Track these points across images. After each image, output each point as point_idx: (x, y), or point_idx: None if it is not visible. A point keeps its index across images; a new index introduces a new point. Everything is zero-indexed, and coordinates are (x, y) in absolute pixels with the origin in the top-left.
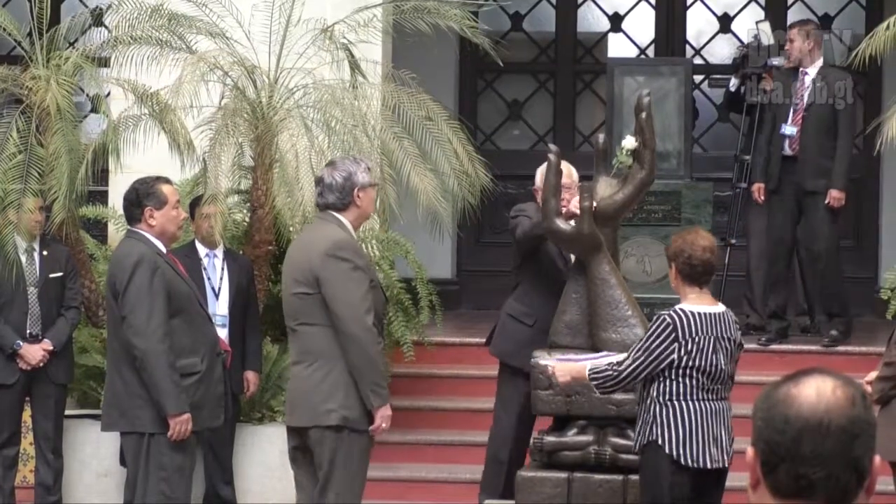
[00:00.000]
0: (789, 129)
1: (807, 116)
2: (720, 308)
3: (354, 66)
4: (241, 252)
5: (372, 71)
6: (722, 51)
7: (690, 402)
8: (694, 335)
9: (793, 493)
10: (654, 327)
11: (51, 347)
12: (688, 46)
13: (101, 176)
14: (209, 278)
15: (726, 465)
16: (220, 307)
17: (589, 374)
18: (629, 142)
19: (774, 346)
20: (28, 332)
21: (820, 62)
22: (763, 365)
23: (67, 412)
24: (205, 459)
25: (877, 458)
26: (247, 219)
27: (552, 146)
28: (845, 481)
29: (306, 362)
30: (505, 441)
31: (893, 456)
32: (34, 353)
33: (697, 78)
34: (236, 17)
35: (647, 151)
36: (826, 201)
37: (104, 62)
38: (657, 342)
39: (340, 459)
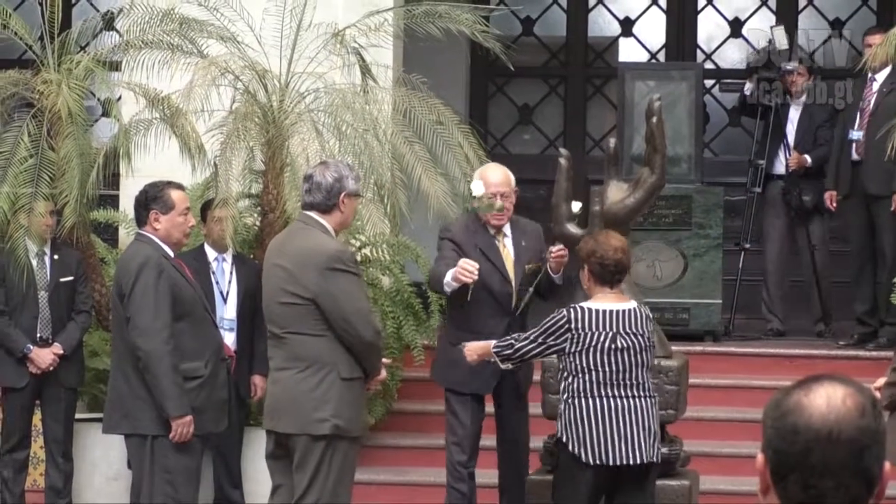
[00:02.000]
0: (856, 133)
1: (872, 121)
2: (629, 305)
3: (365, 71)
4: (251, 256)
5: (383, 75)
6: (733, 55)
7: (590, 400)
8: (588, 330)
9: (802, 502)
10: (553, 316)
11: (61, 351)
12: (699, 51)
13: (112, 180)
14: (218, 282)
15: (642, 461)
16: (228, 311)
17: (493, 347)
18: (575, 206)
19: (783, 351)
20: (38, 335)
21: (889, 68)
22: (774, 369)
23: (77, 416)
24: (213, 463)
25: (887, 465)
26: (258, 223)
27: (562, 150)
28: (855, 491)
29: (296, 368)
30: (463, 449)
31: None
32: (44, 356)
33: (708, 82)
34: (247, 22)
35: (657, 156)
36: (892, 207)
37: (115, 66)
38: (551, 330)
39: (325, 468)
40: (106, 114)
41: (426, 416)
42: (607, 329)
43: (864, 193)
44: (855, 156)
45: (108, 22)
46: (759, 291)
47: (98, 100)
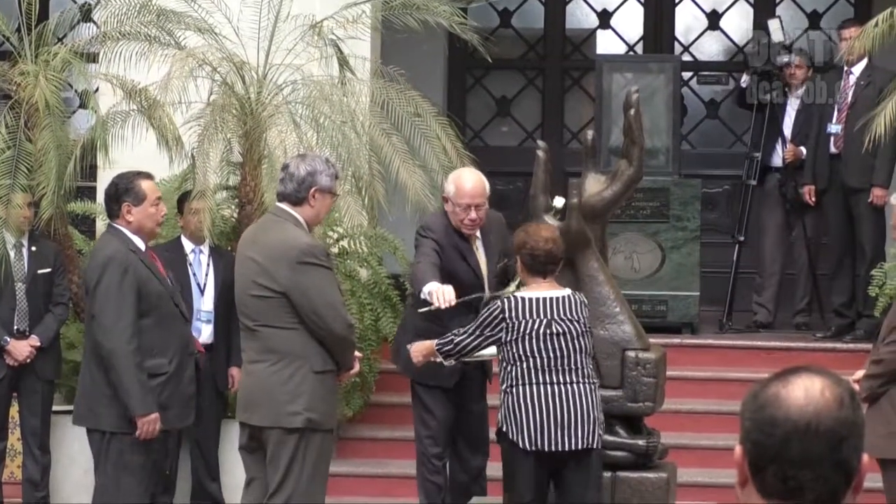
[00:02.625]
0: (834, 127)
1: (851, 115)
2: (562, 293)
3: (343, 63)
4: (228, 248)
5: (361, 67)
6: (710, 48)
7: (526, 388)
8: (521, 318)
9: (781, 494)
10: (488, 308)
11: (38, 343)
12: (676, 43)
13: (90, 172)
14: (195, 274)
15: (581, 447)
16: (205, 303)
17: (435, 345)
18: (558, 201)
19: (761, 343)
20: (15, 327)
21: (865, 61)
22: (750, 362)
23: (55, 408)
24: (191, 456)
25: (865, 457)
26: (235, 215)
27: (541, 143)
28: (833, 483)
29: (268, 361)
30: (435, 440)
31: (881, 453)
32: (21, 348)
33: (686, 75)
34: (225, 13)
35: (635, 148)
36: (869, 199)
37: (93, 58)
38: (487, 321)
39: (298, 462)
40: (83, 105)
41: (404, 409)
42: (541, 316)
43: (843, 187)
44: (833, 149)
45: (86, 13)
46: (748, 284)
47: (75, 91)
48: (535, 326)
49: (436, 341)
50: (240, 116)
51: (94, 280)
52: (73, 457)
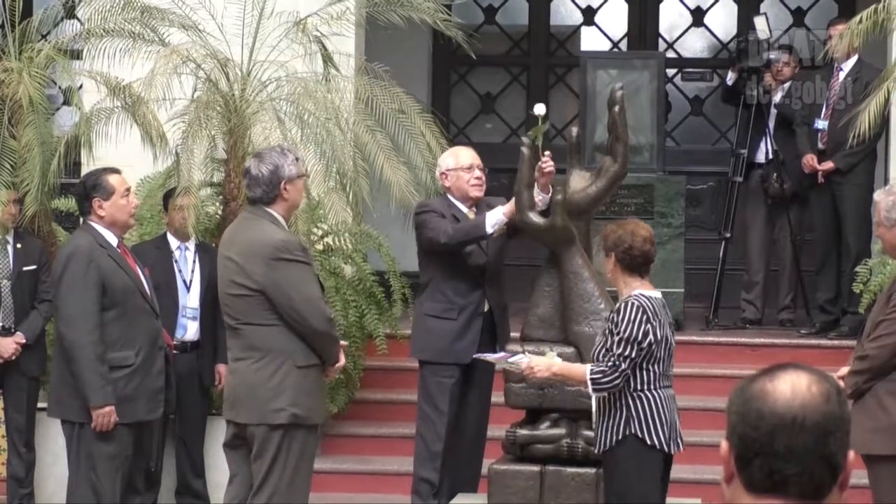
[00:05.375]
0: (821, 123)
1: (837, 111)
2: (659, 293)
3: (327, 59)
4: (213, 244)
5: (345, 64)
6: (695, 44)
7: (657, 392)
8: (659, 318)
9: (766, 488)
10: (626, 314)
11: (23, 340)
12: (661, 40)
13: (74, 168)
14: (181, 271)
15: (681, 449)
16: (191, 300)
17: (590, 374)
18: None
19: (745, 339)
20: (1, 324)
21: (855, 58)
22: (735, 358)
23: (40, 405)
24: (176, 452)
25: (850, 454)
26: (219, 211)
27: (525, 139)
28: (819, 477)
29: (252, 359)
30: (439, 436)
31: (866, 449)
32: (7, 345)
33: (670, 71)
34: (209, 10)
35: (619, 145)
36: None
37: (77, 55)
38: (636, 325)
39: (283, 457)
40: (67, 102)
41: (389, 405)
42: (664, 318)
43: (829, 182)
44: (820, 145)
45: (70, 10)
46: (735, 281)
47: (59, 88)
48: (665, 330)
49: (588, 368)
50: (224, 113)
51: (58, 273)
52: (58, 454)
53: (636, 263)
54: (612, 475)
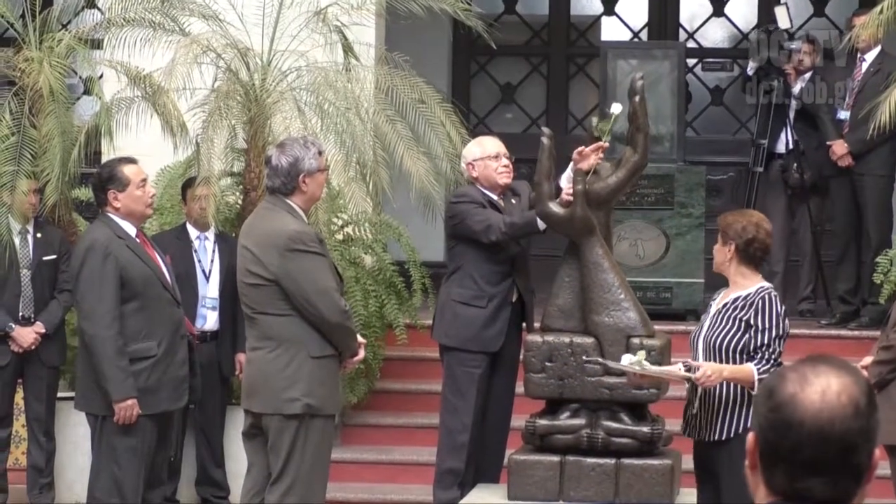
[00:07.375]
0: (843, 113)
1: (859, 101)
2: None
3: (347, 49)
4: (233, 234)
5: (365, 53)
6: (715, 34)
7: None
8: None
9: (789, 494)
10: (772, 309)
11: (43, 330)
12: (681, 30)
13: (94, 158)
14: (200, 261)
15: None
16: (210, 290)
17: (757, 370)
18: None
19: None
20: (21, 314)
21: (878, 48)
22: None
23: (59, 394)
24: (196, 442)
25: (876, 451)
26: (239, 201)
27: (545, 129)
28: (843, 486)
29: (267, 348)
30: (465, 427)
31: (891, 440)
32: (26, 335)
33: (690, 61)
34: (229, 0)
35: (640, 135)
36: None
37: (97, 44)
38: (783, 319)
39: (299, 448)
40: (88, 92)
41: (409, 395)
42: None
43: (850, 172)
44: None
45: (90, 0)
46: None
47: (80, 78)
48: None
49: (754, 368)
50: (244, 103)
51: (77, 268)
52: (78, 443)
53: (756, 256)
54: (735, 464)
